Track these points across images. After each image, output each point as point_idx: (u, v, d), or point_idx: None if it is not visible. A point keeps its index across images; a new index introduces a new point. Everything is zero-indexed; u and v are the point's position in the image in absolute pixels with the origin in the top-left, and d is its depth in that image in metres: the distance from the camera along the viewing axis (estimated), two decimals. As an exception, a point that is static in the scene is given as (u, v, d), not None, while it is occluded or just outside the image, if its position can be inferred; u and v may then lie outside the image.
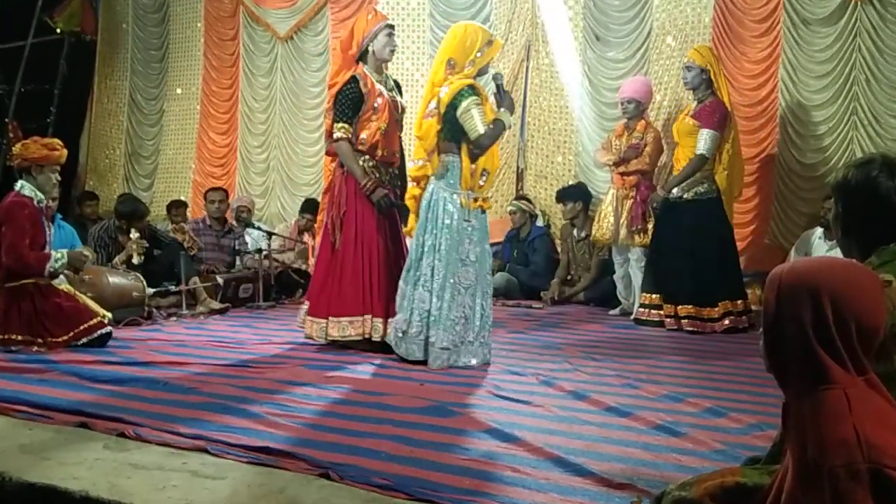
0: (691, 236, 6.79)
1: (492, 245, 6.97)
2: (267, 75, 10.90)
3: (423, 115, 5.44)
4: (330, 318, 5.71)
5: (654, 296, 7.08)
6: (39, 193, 5.81)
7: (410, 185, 5.66)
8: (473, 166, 5.37)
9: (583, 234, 8.41)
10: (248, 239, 9.03)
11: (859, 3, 7.47)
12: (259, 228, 9.04)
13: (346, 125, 5.70)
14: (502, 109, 5.40)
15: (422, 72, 9.79)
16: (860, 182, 2.51)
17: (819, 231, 7.16)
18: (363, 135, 5.74)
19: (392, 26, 6.00)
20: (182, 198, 10.68)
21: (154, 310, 7.22)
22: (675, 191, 6.95)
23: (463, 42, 5.41)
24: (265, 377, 4.91)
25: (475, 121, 5.25)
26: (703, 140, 6.75)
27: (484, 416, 4.06)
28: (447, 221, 5.33)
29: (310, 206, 9.48)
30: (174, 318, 7.19)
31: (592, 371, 5.22)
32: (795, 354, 1.91)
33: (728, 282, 6.91)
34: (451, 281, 5.29)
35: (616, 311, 7.77)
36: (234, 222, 9.11)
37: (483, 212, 5.49)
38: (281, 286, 8.56)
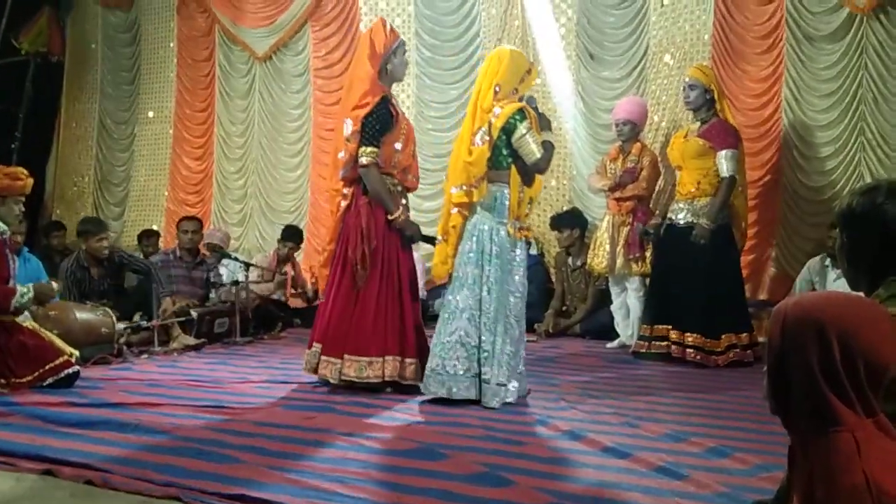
0: (699, 264, 6.80)
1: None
2: (244, 97, 10.94)
3: (470, 140, 5.43)
4: (346, 356, 5.61)
5: (654, 327, 7.09)
6: (2, 225, 5.77)
7: (453, 211, 5.54)
8: (521, 195, 5.46)
9: (578, 263, 8.43)
10: (223, 270, 9.01)
11: (865, 19, 7.54)
12: (235, 259, 9.02)
13: (375, 149, 5.61)
14: (543, 132, 5.50)
15: (407, 93, 9.83)
16: (865, 210, 2.52)
17: (827, 259, 7.18)
18: (396, 158, 5.74)
19: (404, 43, 6.01)
20: (154, 227, 10.70)
21: (124, 347, 7.18)
22: (682, 215, 6.97)
23: (509, 68, 5.47)
24: (242, 419, 4.88)
25: (532, 146, 5.35)
26: (726, 161, 6.78)
27: (474, 459, 4.04)
28: (496, 252, 5.38)
29: (291, 234, 9.48)
30: (146, 356, 7.16)
31: (589, 409, 5.22)
32: (801, 395, 1.92)
33: (733, 313, 6.93)
34: (504, 314, 5.36)
35: (614, 343, 7.77)
36: (207, 253, 9.09)
37: (526, 241, 5.59)
38: (259, 320, 8.54)
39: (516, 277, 5.44)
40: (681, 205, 7.04)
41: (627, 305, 7.71)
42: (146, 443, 4.34)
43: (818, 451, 1.89)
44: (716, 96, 6.94)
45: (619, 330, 7.83)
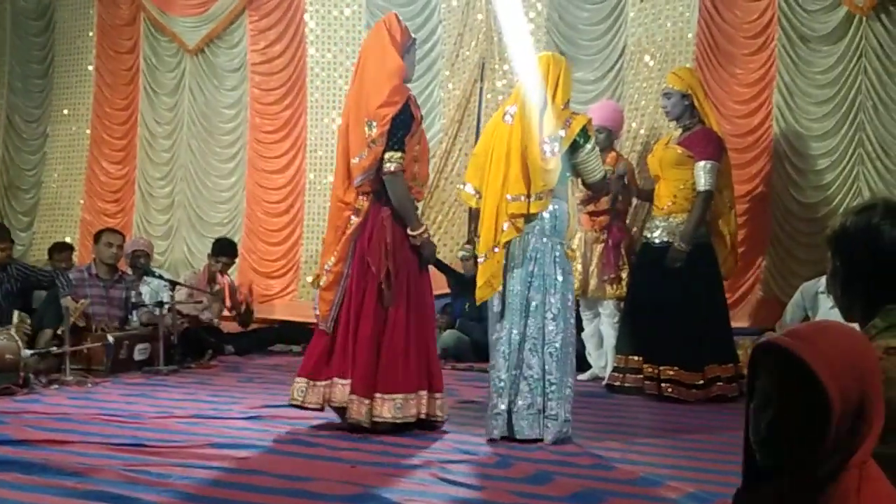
0: (676, 288, 6.85)
1: (438, 298, 7.03)
2: (172, 94, 10.91)
3: (540, 146, 5.46)
4: (377, 395, 5.50)
5: (629, 357, 7.13)
6: None
7: (506, 225, 5.49)
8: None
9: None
10: (144, 289, 8.93)
11: (865, 19, 7.67)
12: (160, 277, 8.95)
13: (403, 154, 5.55)
14: None
15: (357, 92, 9.83)
16: (860, 230, 2.54)
17: (822, 283, 7.24)
18: (415, 167, 5.70)
19: (416, 41, 6.01)
20: (67, 239, 10.59)
21: (31, 375, 7.10)
22: (657, 233, 7.03)
23: (569, 80, 5.75)
24: (164, 459, 4.84)
25: (598, 163, 5.63)
26: (704, 174, 6.83)
27: (426, 505, 4.05)
28: (560, 278, 5.49)
29: (224, 248, 9.44)
30: (55, 386, 7.08)
31: (557, 448, 5.24)
32: (835, 436, 1.94)
33: (716, 343, 6.98)
34: (569, 343, 5.49)
35: (585, 375, 7.79)
36: (129, 269, 9.02)
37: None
38: (186, 346, 8.48)
39: (570, 303, 5.56)
40: (657, 221, 7.10)
41: (600, 333, 7.74)
42: (54, 485, 4.28)
43: (822, 492, 1.92)
44: (696, 102, 7.00)
45: (591, 360, 7.87)
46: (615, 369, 7.26)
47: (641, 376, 7.01)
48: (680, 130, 7.09)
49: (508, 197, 5.47)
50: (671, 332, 6.84)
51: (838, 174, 7.84)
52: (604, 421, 6.15)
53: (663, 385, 6.87)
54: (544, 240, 5.50)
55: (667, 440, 5.61)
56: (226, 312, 9.45)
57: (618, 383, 7.16)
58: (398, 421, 5.49)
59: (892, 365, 2.28)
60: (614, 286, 7.56)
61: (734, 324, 7.36)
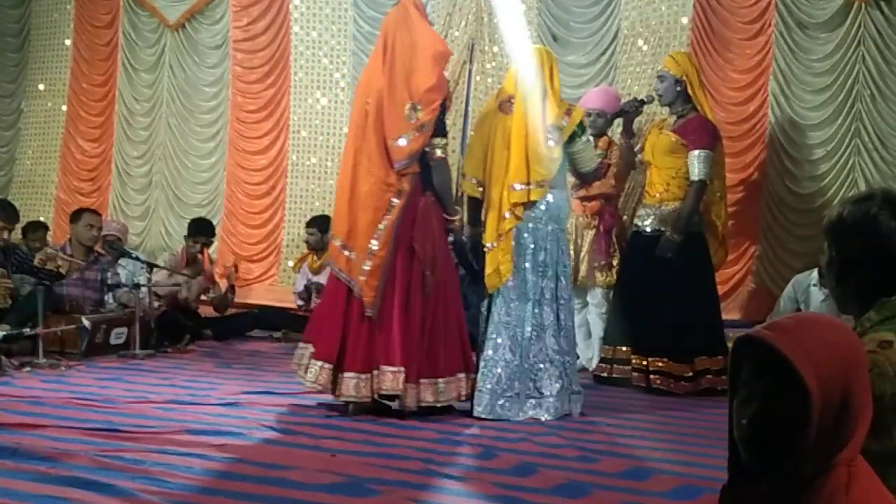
0: (666, 276, 6.86)
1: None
2: (151, 71, 10.87)
3: (545, 135, 5.80)
4: (422, 380, 5.64)
5: (617, 348, 7.14)
6: None
7: (507, 214, 5.81)
8: None
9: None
10: (121, 272, 8.89)
11: (864, 6, 7.68)
12: (137, 258, 8.91)
13: (447, 140, 5.82)
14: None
15: (342, 72, 9.85)
16: (857, 221, 2.54)
17: (814, 275, 7.27)
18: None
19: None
20: (42, 218, 10.53)
21: (3, 357, 7.07)
22: (649, 221, 7.02)
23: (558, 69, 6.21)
24: (139, 445, 4.84)
25: (592, 153, 6.17)
26: (698, 163, 6.83)
27: (407, 496, 4.05)
28: (563, 262, 6.01)
29: (202, 229, 9.40)
30: (28, 369, 7.06)
31: (542, 440, 5.26)
32: (820, 431, 1.94)
33: (706, 334, 7.00)
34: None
35: (572, 366, 7.81)
36: (102, 251, 8.98)
37: None
38: (164, 330, 8.45)
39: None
40: (648, 209, 7.09)
41: (588, 323, 7.74)
42: (26, 470, 4.28)
43: (811, 490, 1.92)
44: (690, 88, 6.99)
45: (578, 351, 7.86)
46: (602, 360, 7.27)
47: (629, 367, 7.02)
48: (674, 117, 7.08)
49: (515, 186, 5.78)
50: (661, 323, 6.85)
51: (834, 164, 7.86)
52: (590, 412, 6.16)
53: (652, 377, 6.88)
54: (550, 227, 5.87)
55: (654, 432, 5.63)
56: (203, 297, 9.41)
57: (605, 374, 7.17)
58: (440, 404, 5.71)
59: (885, 359, 2.29)
60: (604, 273, 7.55)
61: (725, 316, 7.36)
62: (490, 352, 5.83)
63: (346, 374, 5.64)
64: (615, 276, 7.48)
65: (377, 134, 5.69)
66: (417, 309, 5.68)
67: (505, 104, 5.87)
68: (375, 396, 5.68)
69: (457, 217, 5.88)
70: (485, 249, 5.87)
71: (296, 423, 5.44)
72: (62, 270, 7.48)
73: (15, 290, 7.69)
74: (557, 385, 5.83)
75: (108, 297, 8.63)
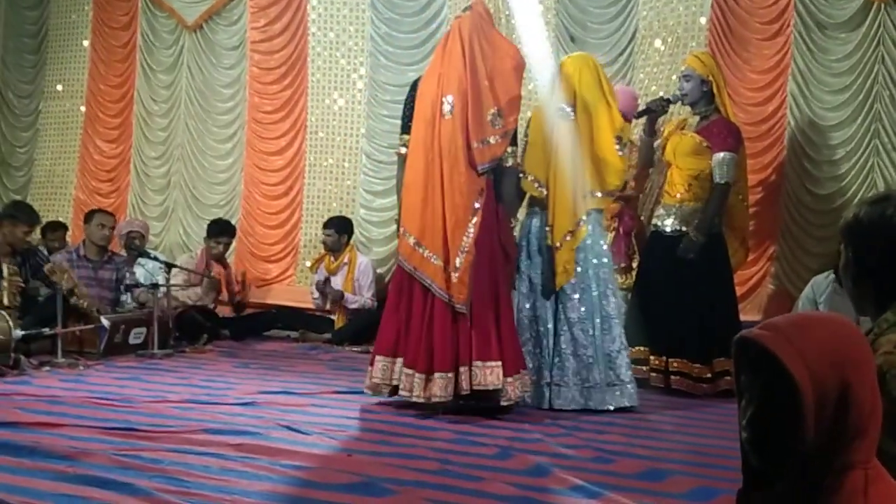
0: (687, 278, 6.85)
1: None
2: (170, 72, 10.88)
3: (616, 148, 6.34)
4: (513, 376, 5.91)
5: (635, 349, 7.13)
6: None
7: (584, 218, 6.27)
8: None
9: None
10: (139, 271, 8.93)
11: (884, 6, 7.65)
12: (155, 258, 8.95)
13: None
14: None
15: (359, 73, 9.86)
16: (873, 222, 2.54)
17: (833, 276, 7.24)
18: None
19: None
20: (60, 218, 10.58)
21: (22, 357, 7.12)
22: (669, 222, 7.01)
23: None
24: (156, 444, 4.87)
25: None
26: (722, 166, 6.81)
27: (423, 496, 4.07)
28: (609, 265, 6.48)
29: (223, 229, 9.46)
30: (47, 368, 7.10)
31: (559, 441, 5.27)
32: (827, 433, 1.93)
33: (725, 335, 6.94)
34: None
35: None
36: (122, 250, 9.02)
37: None
38: (182, 330, 8.50)
39: None
40: (668, 209, 7.07)
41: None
42: (44, 469, 4.32)
43: (826, 493, 1.92)
44: (715, 89, 6.98)
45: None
46: (620, 361, 7.26)
47: (647, 368, 7.01)
48: (697, 118, 7.06)
49: (596, 193, 6.31)
50: (679, 324, 6.84)
51: (853, 165, 7.83)
52: (606, 413, 6.17)
53: (671, 377, 6.87)
54: (599, 230, 6.46)
55: (670, 434, 5.64)
56: (222, 298, 9.46)
57: (623, 376, 7.17)
58: (518, 400, 5.96)
59: (899, 359, 2.29)
60: (624, 276, 7.55)
61: (744, 317, 7.32)
62: (563, 346, 6.19)
63: (436, 375, 5.73)
64: (634, 278, 7.48)
65: (462, 135, 5.84)
66: (509, 307, 6.02)
67: (565, 110, 6.28)
68: (464, 393, 5.77)
69: (516, 224, 6.32)
70: (555, 248, 6.18)
71: (313, 423, 5.45)
72: (63, 286, 7.49)
73: (26, 289, 7.74)
74: (630, 372, 6.28)
75: (126, 297, 8.68)
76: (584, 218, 6.24)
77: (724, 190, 6.86)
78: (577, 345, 6.18)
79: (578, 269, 6.24)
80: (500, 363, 5.74)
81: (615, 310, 6.36)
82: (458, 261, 5.74)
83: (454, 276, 5.73)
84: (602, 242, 6.46)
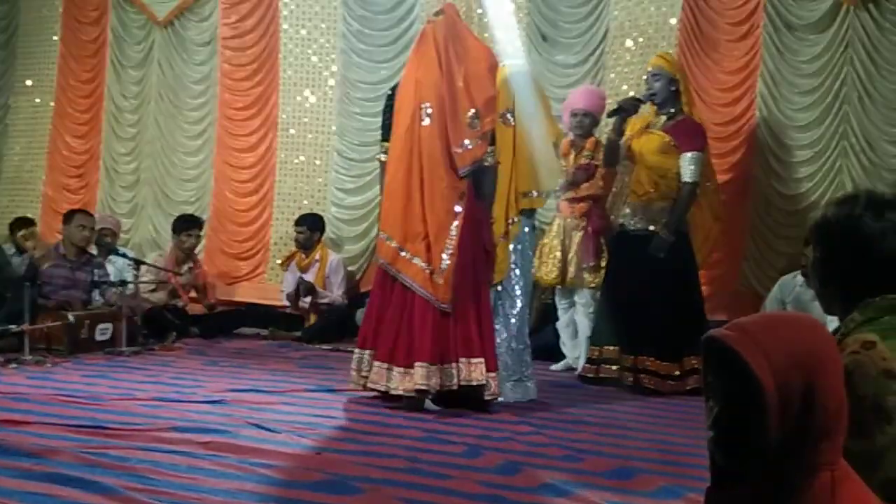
0: (652, 275, 6.88)
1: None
2: (139, 67, 10.83)
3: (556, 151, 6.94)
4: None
5: (605, 348, 7.15)
6: None
7: (516, 219, 6.56)
8: None
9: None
10: (109, 269, 8.88)
11: (852, 9, 7.70)
12: (124, 255, 8.89)
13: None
14: None
15: (330, 70, 9.83)
16: (841, 222, 2.55)
17: (800, 277, 7.29)
18: None
19: None
20: (29, 215, 10.50)
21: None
22: (635, 220, 7.04)
23: None
24: (124, 442, 4.83)
25: None
26: (690, 165, 6.86)
27: (392, 495, 4.06)
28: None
29: (194, 221, 9.43)
30: (14, 365, 7.04)
31: (527, 439, 5.27)
32: (794, 434, 1.93)
33: (693, 333, 6.98)
34: None
35: (559, 366, 7.83)
36: (93, 248, 8.96)
37: None
38: (150, 328, 8.44)
39: None
40: (634, 208, 7.09)
41: (575, 322, 7.75)
42: (10, 467, 4.27)
43: (795, 493, 1.92)
44: (681, 88, 7.02)
45: (565, 351, 7.89)
46: (589, 360, 7.28)
47: (617, 367, 7.04)
48: (663, 118, 7.09)
49: (532, 193, 6.58)
50: (647, 322, 6.87)
51: (821, 166, 7.88)
52: (575, 411, 6.19)
53: (641, 376, 6.90)
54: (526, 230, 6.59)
55: (639, 432, 5.64)
56: (192, 294, 9.42)
57: (591, 374, 7.19)
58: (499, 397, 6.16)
59: (868, 359, 2.30)
60: (593, 275, 7.56)
61: (712, 317, 7.35)
62: (498, 339, 6.35)
63: (417, 365, 5.82)
64: (603, 277, 7.49)
65: (441, 140, 5.95)
66: (489, 305, 6.17)
67: (506, 116, 6.38)
68: (451, 389, 5.91)
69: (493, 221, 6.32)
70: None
71: (282, 421, 5.42)
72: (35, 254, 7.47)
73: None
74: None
75: (95, 294, 8.61)
76: (516, 219, 6.53)
77: (693, 189, 6.91)
78: (511, 339, 6.50)
79: (513, 265, 6.53)
80: (483, 360, 5.91)
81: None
82: (442, 264, 5.88)
83: (439, 279, 5.87)
84: (528, 242, 6.71)
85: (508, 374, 6.41)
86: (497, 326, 6.37)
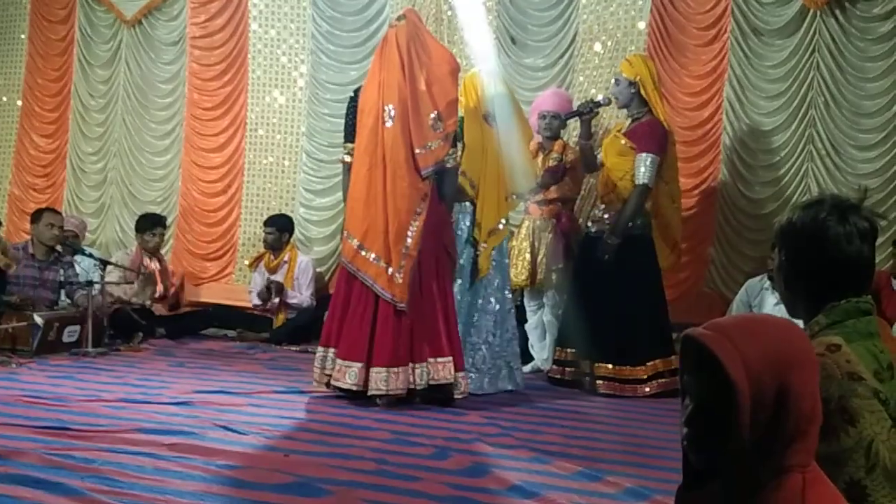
0: (611, 280, 6.90)
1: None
2: (107, 67, 10.75)
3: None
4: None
5: (568, 351, 7.18)
6: None
7: (504, 223, 6.94)
8: None
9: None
10: (77, 269, 8.82)
11: (819, 14, 7.76)
12: (90, 255, 8.83)
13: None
14: None
15: (300, 70, 9.80)
16: (806, 226, 2.57)
17: (766, 280, 7.34)
18: None
19: None
20: (-6, 214, 10.43)
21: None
22: (596, 224, 7.09)
23: None
24: (90, 444, 4.81)
25: None
26: (643, 167, 6.87)
27: (360, 497, 4.05)
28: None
29: (157, 220, 9.40)
30: (-22, 366, 6.99)
31: (496, 441, 5.28)
32: (765, 434, 1.94)
33: (655, 336, 7.03)
34: None
35: (528, 367, 7.81)
36: (60, 248, 8.89)
37: None
38: (116, 328, 8.39)
39: None
40: (600, 210, 7.16)
41: (544, 324, 7.77)
42: (-27, 469, 4.24)
43: (765, 494, 1.93)
44: (644, 90, 7.03)
45: (533, 352, 7.90)
46: (555, 362, 7.31)
47: (578, 370, 7.08)
48: (629, 120, 7.13)
49: (514, 196, 7.05)
50: (606, 327, 6.88)
51: (787, 170, 7.93)
52: (543, 413, 6.20)
53: (598, 382, 6.92)
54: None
55: (607, 434, 5.66)
56: (158, 294, 9.36)
57: (559, 376, 7.22)
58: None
59: (833, 362, 2.32)
60: (562, 276, 7.58)
61: (677, 320, 7.37)
62: (475, 337, 6.72)
63: (374, 370, 5.95)
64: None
65: (404, 142, 6.07)
66: (453, 305, 6.32)
67: (488, 118, 6.71)
68: (416, 388, 6.09)
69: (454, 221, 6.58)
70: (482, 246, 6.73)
71: (249, 423, 5.41)
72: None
73: None
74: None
75: (61, 294, 8.55)
76: (504, 222, 6.88)
77: (643, 191, 6.91)
78: (488, 333, 6.75)
79: (494, 263, 6.82)
80: (451, 358, 6.07)
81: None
82: (401, 262, 5.98)
83: (397, 277, 5.98)
84: (504, 240, 7.04)
85: (487, 367, 6.65)
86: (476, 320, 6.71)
